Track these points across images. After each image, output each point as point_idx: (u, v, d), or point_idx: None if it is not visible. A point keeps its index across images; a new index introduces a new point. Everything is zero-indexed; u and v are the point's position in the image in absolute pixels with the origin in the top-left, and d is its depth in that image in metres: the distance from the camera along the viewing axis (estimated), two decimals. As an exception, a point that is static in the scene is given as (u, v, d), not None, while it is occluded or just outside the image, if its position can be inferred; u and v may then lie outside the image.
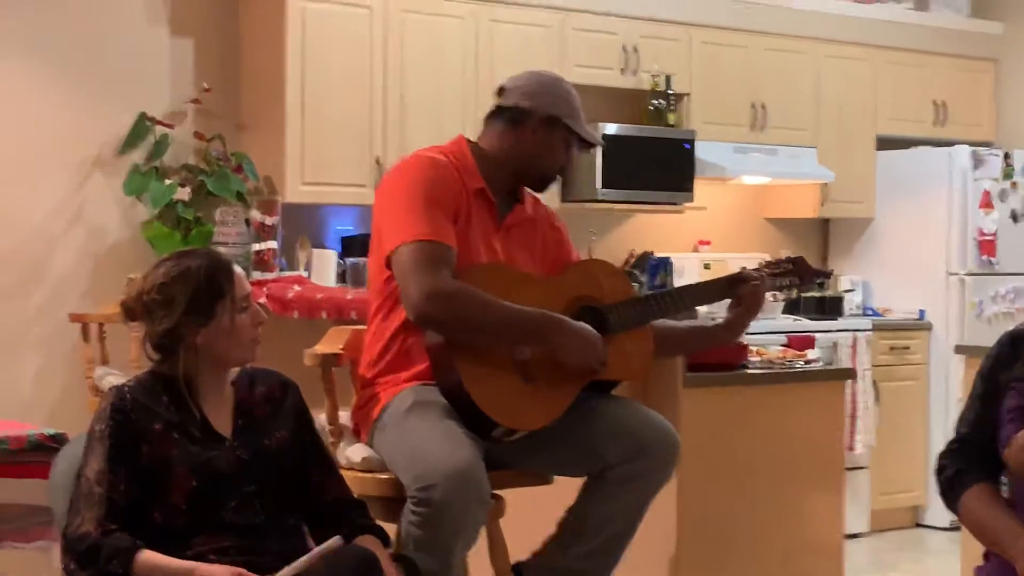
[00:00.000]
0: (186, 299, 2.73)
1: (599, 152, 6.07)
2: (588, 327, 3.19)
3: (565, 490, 3.29)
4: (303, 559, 2.61)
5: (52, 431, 3.53)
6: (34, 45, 5.13)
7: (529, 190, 3.45)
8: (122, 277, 5.06)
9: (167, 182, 5.22)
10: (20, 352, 5.10)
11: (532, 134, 3.34)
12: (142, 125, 5.28)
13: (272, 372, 2.92)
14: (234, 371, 2.88)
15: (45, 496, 3.33)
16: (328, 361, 3.33)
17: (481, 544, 3.15)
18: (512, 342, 3.17)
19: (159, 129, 5.30)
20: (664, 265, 6.12)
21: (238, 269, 2.83)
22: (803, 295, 6.49)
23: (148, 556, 2.60)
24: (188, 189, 5.24)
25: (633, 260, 6.50)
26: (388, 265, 3.20)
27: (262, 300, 4.80)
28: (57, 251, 5.20)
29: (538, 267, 3.39)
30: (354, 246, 5.61)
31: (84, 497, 2.66)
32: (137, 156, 5.26)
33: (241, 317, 2.77)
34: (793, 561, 4.08)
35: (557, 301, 3.26)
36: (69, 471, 2.78)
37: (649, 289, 6.01)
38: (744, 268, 3.54)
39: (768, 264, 3.58)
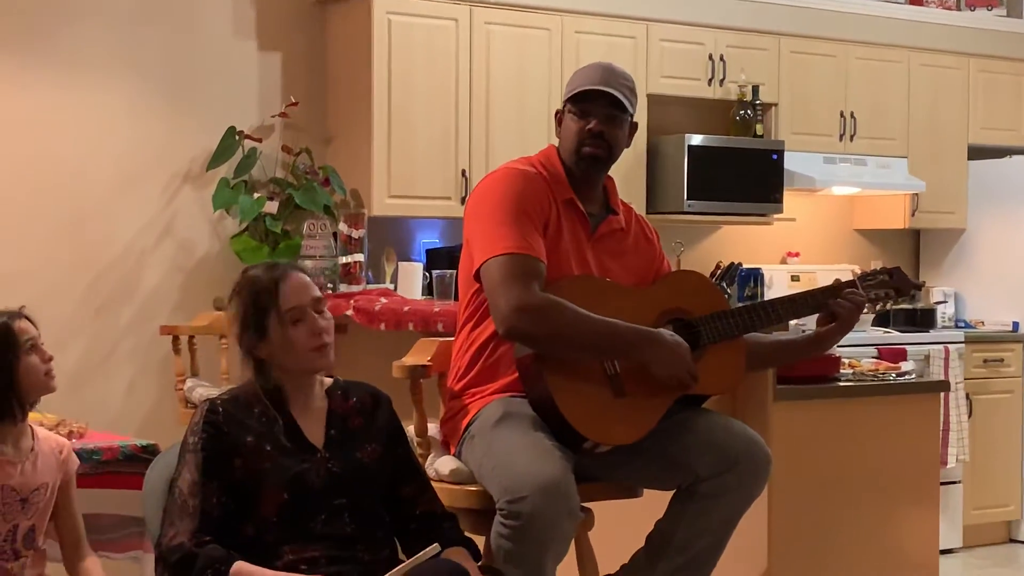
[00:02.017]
0: (241, 315, 2.79)
1: (685, 163, 6.05)
2: (680, 340, 3.15)
3: (655, 503, 3.26)
4: (397, 569, 2.61)
5: (144, 442, 3.57)
6: (126, 62, 5.21)
7: (624, 201, 3.45)
8: (211, 290, 5.19)
9: (255, 196, 5.27)
10: (112, 364, 5.17)
11: (558, 126, 3.36)
12: (231, 139, 5.33)
13: (365, 385, 2.93)
14: (327, 381, 2.90)
15: (137, 507, 3.37)
16: (416, 373, 3.32)
17: (570, 557, 3.12)
18: (602, 356, 3.15)
19: (247, 143, 5.35)
20: (754, 276, 6.05)
21: (298, 279, 2.81)
22: (894, 307, 6.38)
23: (242, 567, 2.61)
24: (276, 202, 5.29)
25: (720, 272, 6.43)
26: (477, 278, 3.19)
27: (349, 312, 4.83)
28: (148, 265, 5.26)
29: (630, 277, 3.36)
30: (439, 258, 5.62)
31: (178, 508, 2.68)
32: (225, 170, 5.31)
33: (294, 330, 2.77)
34: (887, 577, 4.01)
35: (648, 313, 3.23)
36: (162, 482, 2.81)
37: (739, 301, 5.94)
38: (838, 280, 3.47)
39: (864, 276, 3.49)
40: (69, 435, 3.46)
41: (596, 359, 3.15)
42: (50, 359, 3.01)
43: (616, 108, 3.29)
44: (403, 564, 2.63)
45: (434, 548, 2.63)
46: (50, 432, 3.20)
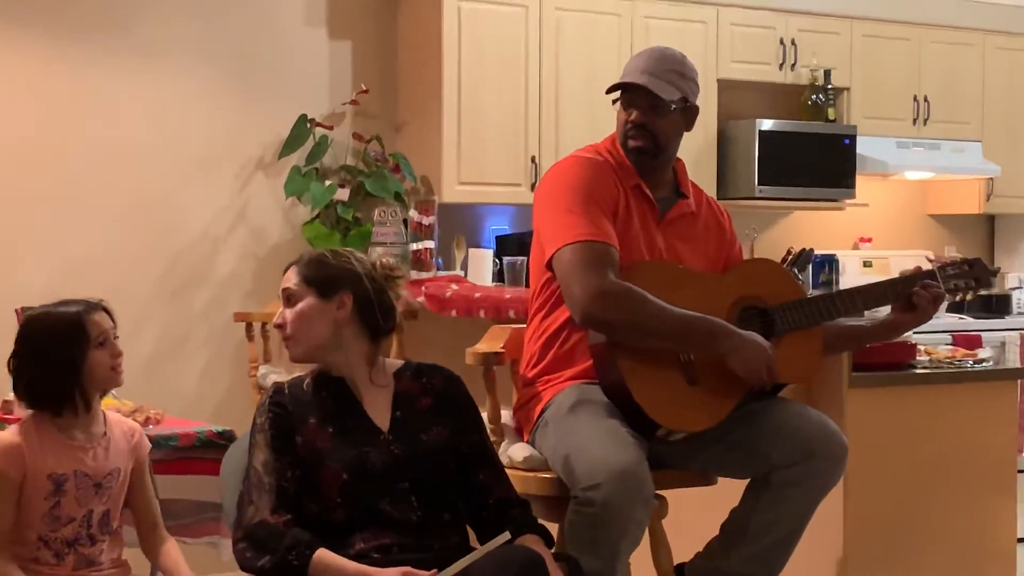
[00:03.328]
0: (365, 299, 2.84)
1: (756, 149, 6.00)
2: (757, 337, 3.12)
3: (730, 491, 3.24)
4: (470, 556, 2.61)
5: (220, 428, 3.60)
6: (200, 51, 5.26)
7: (694, 183, 3.43)
8: (284, 277, 5.22)
9: (327, 183, 5.30)
10: (187, 351, 5.22)
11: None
12: (302, 127, 5.36)
13: (437, 366, 2.94)
14: (397, 363, 2.91)
15: (214, 492, 3.41)
16: (489, 360, 3.32)
17: (644, 544, 3.11)
18: (678, 347, 3.13)
19: (319, 131, 5.38)
20: (829, 263, 6.00)
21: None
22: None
23: (325, 555, 2.63)
24: (347, 190, 5.32)
25: (792, 258, 6.38)
26: (549, 267, 3.19)
27: (420, 299, 4.84)
28: (221, 252, 5.31)
29: (701, 262, 3.33)
30: (509, 245, 5.63)
31: (255, 487, 2.71)
32: (297, 158, 5.34)
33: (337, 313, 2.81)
34: (964, 565, 3.96)
35: (722, 301, 3.21)
36: (238, 467, 2.84)
37: (814, 287, 5.90)
38: (918, 268, 3.42)
39: (944, 266, 3.43)
40: (146, 421, 3.50)
41: (672, 349, 3.13)
42: (119, 355, 3.03)
43: (657, 98, 3.25)
44: (475, 552, 2.63)
45: (505, 536, 2.63)
46: (121, 417, 3.23)
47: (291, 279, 2.86)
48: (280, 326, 2.85)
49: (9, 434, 3.00)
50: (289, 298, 2.85)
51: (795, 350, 3.23)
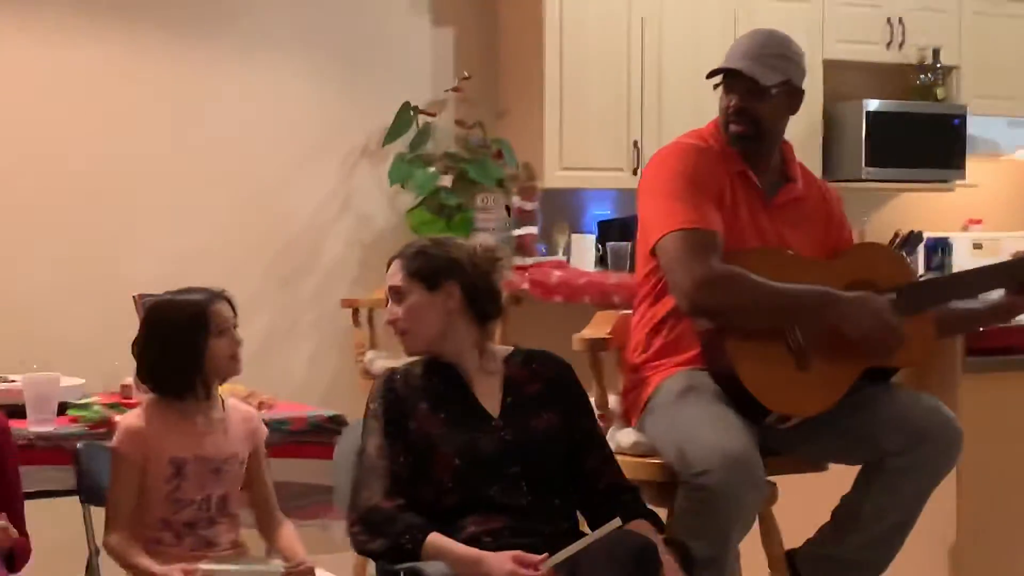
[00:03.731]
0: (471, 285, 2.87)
1: (863, 130, 5.92)
2: (874, 297, 3.07)
3: (841, 477, 3.20)
4: (581, 542, 2.62)
5: (331, 413, 3.65)
6: (305, 40, 5.32)
7: (802, 164, 3.39)
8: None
9: (430, 170, 5.33)
10: (295, 336, 5.30)
11: None
12: (406, 114, 5.40)
13: (547, 353, 2.95)
14: (506, 349, 2.93)
15: (324, 475, 3.46)
16: (596, 346, 3.32)
17: (754, 531, 3.10)
18: (790, 323, 3.10)
19: (422, 118, 5.41)
20: (941, 246, 5.90)
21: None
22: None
23: (437, 538, 2.66)
24: (450, 176, 5.34)
25: (899, 241, 6.27)
26: (654, 254, 3.18)
27: (524, 285, 4.85)
28: (328, 239, 5.38)
29: (810, 247, 3.30)
30: (611, 230, 5.61)
31: (368, 471, 2.75)
32: (401, 145, 5.38)
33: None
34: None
35: (832, 285, 3.17)
36: (351, 451, 2.88)
37: (926, 271, 5.81)
38: None
39: None
40: (259, 406, 3.56)
41: (782, 327, 3.10)
42: (239, 344, 3.08)
43: (757, 82, 3.21)
44: (585, 537, 2.64)
45: (616, 522, 2.64)
46: (240, 403, 3.29)
47: (396, 275, 2.88)
48: (392, 322, 2.88)
49: (132, 418, 3.08)
50: (397, 295, 2.87)
51: (908, 333, 3.18)
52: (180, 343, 3.02)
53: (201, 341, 3.02)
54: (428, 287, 2.84)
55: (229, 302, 3.09)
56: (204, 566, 2.89)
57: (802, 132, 5.72)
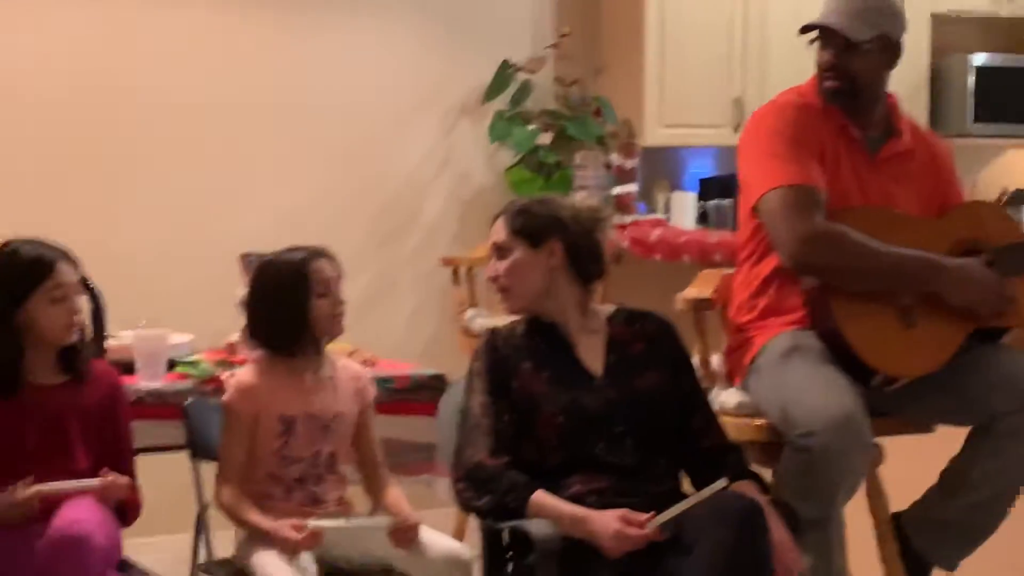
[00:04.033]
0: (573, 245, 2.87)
1: (971, 84, 5.79)
2: (979, 265, 3.02)
3: (950, 439, 3.15)
4: (686, 502, 2.61)
5: (433, 372, 3.67)
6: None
7: (910, 119, 3.32)
8: (488, 221, 5.23)
9: (529, 127, 5.32)
10: (396, 294, 5.33)
11: None
12: (505, 72, 5.38)
13: (650, 313, 2.94)
14: (609, 308, 2.92)
15: (427, 433, 3.49)
16: (700, 305, 3.30)
17: (859, 493, 3.07)
18: (894, 287, 3.05)
19: (521, 75, 5.39)
20: (1054, 205, 5.77)
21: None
22: None
23: (542, 496, 2.67)
24: (549, 134, 5.33)
25: (1006, 198, 6.14)
26: (756, 213, 3.15)
27: (624, 243, 4.83)
28: (428, 197, 5.39)
29: (916, 203, 3.24)
30: (712, 188, 5.56)
31: (472, 429, 2.77)
32: (500, 102, 5.37)
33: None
34: None
35: (938, 245, 3.12)
36: (454, 409, 2.90)
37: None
38: None
39: None
40: (363, 363, 3.59)
41: (887, 290, 3.06)
42: (340, 303, 3.09)
43: (849, 38, 3.15)
44: (691, 497, 2.63)
45: (722, 482, 2.62)
46: (350, 362, 3.32)
47: (500, 232, 2.88)
48: (494, 279, 2.88)
49: (244, 374, 3.12)
50: (500, 251, 2.87)
51: (1017, 295, 3.12)
52: (283, 302, 3.06)
53: (303, 300, 3.05)
54: (531, 244, 2.84)
55: (332, 260, 3.11)
56: (313, 522, 2.93)
57: (908, 86, 5.61)
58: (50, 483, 2.81)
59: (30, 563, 2.73)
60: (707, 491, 2.61)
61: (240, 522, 3.02)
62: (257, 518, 2.97)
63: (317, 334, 3.09)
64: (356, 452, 3.20)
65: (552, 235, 2.85)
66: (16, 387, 2.91)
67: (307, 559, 2.90)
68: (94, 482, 2.86)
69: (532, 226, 2.85)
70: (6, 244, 2.94)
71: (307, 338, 3.08)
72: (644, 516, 2.58)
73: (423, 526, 3.05)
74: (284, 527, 2.91)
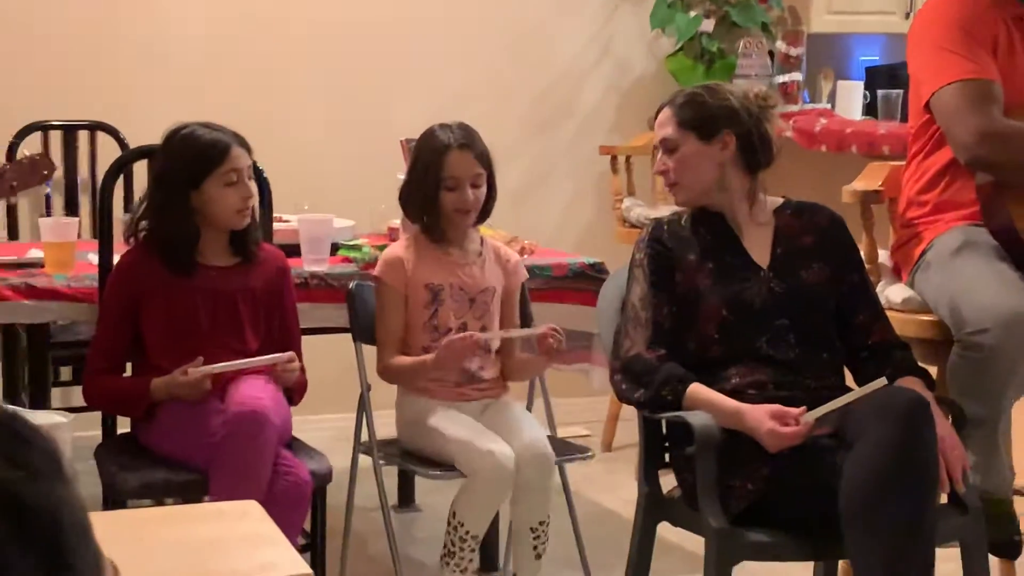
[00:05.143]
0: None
1: None
2: None
3: None
4: (842, 398, 2.57)
5: (592, 260, 3.67)
6: None
7: None
8: (647, 110, 5.18)
9: (692, 14, 5.21)
10: (552, 183, 5.32)
11: None
12: (668, -43, 5.26)
13: (819, 205, 2.88)
14: (776, 200, 2.87)
15: (585, 322, 3.50)
16: (868, 199, 3.23)
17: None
18: None
19: (684, -40, 5.27)
20: None
21: None
22: None
23: (698, 389, 2.66)
24: (712, 20, 5.21)
25: None
26: (928, 108, 3.05)
27: (788, 133, 4.73)
28: (586, 85, 5.34)
29: None
30: (879, 77, 5.39)
31: (632, 321, 2.75)
32: (662, -12, 5.27)
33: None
34: None
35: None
36: (614, 300, 2.89)
37: None
38: None
39: None
40: (521, 251, 3.61)
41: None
42: (467, 199, 3.10)
43: None
44: (847, 394, 2.59)
45: (881, 382, 2.58)
46: (502, 244, 3.35)
47: (667, 125, 2.81)
48: (663, 173, 2.83)
49: (393, 248, 3.22)
50: (668, 145, 2.81)
51: None
52: (421, 184, 3.12)
53: (435, 189, 3.09)
54: (701, 137, 2.78)
55: (469, 152, 3.11)
56: (479, 334, 3.06)
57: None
58: (224, 363, 2.90)
59: (207, 436, 2.83)
60: (865, 388, 2.57)
61: (405, 378, 3.10)
62: (411, 361, 3.07)
63: (443, 225, 3.12)
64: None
65: (724, 127, 2.78)
66: (192, 267, 2.99)
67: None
68: (268, 359, 2.94)
69: (702, 118, 2.78)
70: (184, 127, 3.01)
71: (437, 224, 3.11)
72: (796, 411, 2.54)
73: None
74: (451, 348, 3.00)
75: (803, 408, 2.56)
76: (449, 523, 3.01)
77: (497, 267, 3.23)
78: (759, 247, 2.79)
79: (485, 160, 3.14)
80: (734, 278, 2.75)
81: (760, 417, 2.55)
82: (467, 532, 2.99)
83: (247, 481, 2.76)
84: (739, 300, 2.72)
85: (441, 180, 3.08)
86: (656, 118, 2.85)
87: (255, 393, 2.84)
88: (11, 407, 0.84)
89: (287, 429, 2.98)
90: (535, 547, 3.09)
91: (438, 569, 3.07)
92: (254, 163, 3.08)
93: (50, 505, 0.74)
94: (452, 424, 3.04)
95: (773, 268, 2.77)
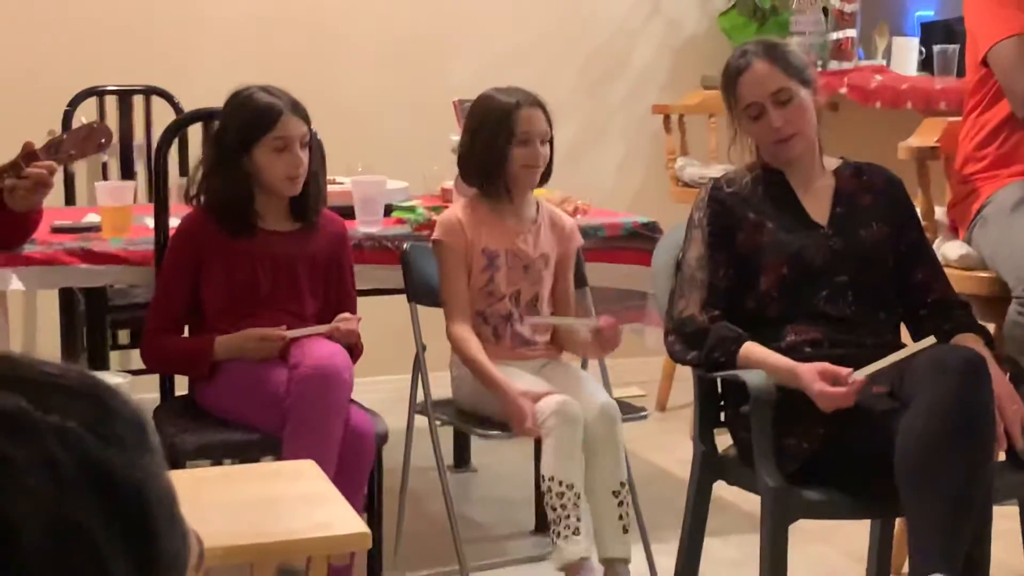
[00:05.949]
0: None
1: None
2: None
3: None
4: (891, 356, 2.56)
5: (645, 219, 3.65)
6: None
7: None
8: (700, 69, 5.19)
9: (745, -30, 5.16)
10: (605, 142, 5.30)
11: None
12: (720, -88, 5.21)
13: (877, 166, 2.86)
14: (836, 160, 2.85)
15: (639, 281, 3.50)
16: (924, 155, 3.20)
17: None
18: None
19: (737, -84, 5.21)
20: None
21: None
22: None
23: (751, 348, 2.65)
24: (765, -23, 5.16)
25: None
26: (985, 63, 3.01)
27: (842, 90, 4.68)
28: (638, 43, 5.30)
29: None
30: (935, 32, 5.31)
31: (687, 282, 2.75)
32: (715, -56, 5.22)
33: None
34: None
35: None
36: (669, 259, 2.88)
37: None
38: None
39: None
40: (574, 211, 3.60)
41: None
42: (537, 155, 3.09)
43: None
44: (897, 352, 2.57)
45: (930, 340, 2.56)
46: (557, 209, 3.34)
47: (774, 77, 2.71)
48: (778, 129, 2.72)
49: (449, 211, 3.21)
50: (782, 96, 2.72)
51: None
52: (487, 144, 3.09)
53: (505, 147, 3.07)
54: (804, 83, 2.74)
55: (539, 110, 3.10)
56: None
57: None
58: (296, 329, 2.93)
59: (274, 395, 2.85)
60: (914, 346, 2.55)
61: (468, 359, 3.08)
62: (490, 367, 3.03)
63: (508, 183, 3.11)
64: (552, 297, 3.23)
65: (813, 71, 2.77)
66: (252, 229, 3.02)
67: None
68: (325, 328, 2.96)
69: (799, 65, 2.74)
70: (245, 89, 3.02)
71: (496, 186, 3.11)
72: (844, 371, 2.52)
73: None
74: (516, 396, 2.95)
75: (849, 370, 2.53)
76: (546, 490, 2.90)
77: (552, 234, 3.22)
78: (819, 206, 2.77)
79: (550, 122, 3.14)
80: (794, 236, 2.73)
81: (812, 376, 2.53)
82: (564, 485, 2.89)
83: (324, 439, 2.78)
84: (800, 258, 2.71)
85: (513, 136, 3.07)
86: (734, 77, 2.74)
87: (326, 351, 2.85)
88: (95, 373, 0.84)
89: (352, 388, 3.00)
90: (620, 516, 2.96)
91: (551, 545, 2.94)
92: (312, 132, 3.08)
93: (137, 479, 0.73)
94: (514, 381, 3.03)
95: (832, 226, 2.75)
